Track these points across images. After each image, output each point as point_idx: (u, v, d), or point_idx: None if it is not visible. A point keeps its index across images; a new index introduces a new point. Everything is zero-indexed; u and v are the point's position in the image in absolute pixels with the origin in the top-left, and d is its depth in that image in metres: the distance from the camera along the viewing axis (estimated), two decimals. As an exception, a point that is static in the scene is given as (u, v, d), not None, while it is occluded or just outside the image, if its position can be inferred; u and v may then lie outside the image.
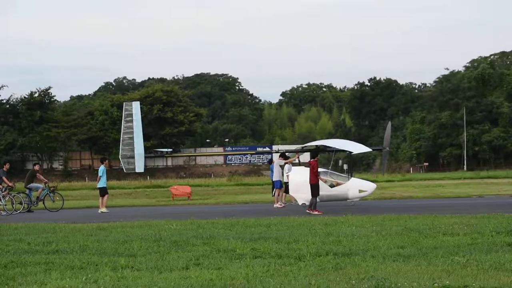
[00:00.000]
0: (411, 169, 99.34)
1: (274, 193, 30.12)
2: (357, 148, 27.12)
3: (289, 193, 28.61)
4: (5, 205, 29.86)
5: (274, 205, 29.40)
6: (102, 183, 30.02)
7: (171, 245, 14.64)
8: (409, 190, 43.25)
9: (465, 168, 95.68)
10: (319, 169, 27.32)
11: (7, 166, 32.47)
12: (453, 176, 66.96)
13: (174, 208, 32.09)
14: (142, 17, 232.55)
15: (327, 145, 28.83)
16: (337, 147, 28.04)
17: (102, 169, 30.11)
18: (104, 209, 29.53)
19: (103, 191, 30.00)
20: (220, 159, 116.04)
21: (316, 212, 24.56)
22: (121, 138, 30.66)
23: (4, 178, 30.69)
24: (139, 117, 30.46)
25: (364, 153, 27.57)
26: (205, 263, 12.26)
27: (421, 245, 13.67)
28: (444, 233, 15.38)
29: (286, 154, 30.31)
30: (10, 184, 30.87)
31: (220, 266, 11.88)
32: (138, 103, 31.40)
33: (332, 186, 27.95)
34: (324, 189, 27.26)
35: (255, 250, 13.48)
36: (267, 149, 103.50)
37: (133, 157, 29.94)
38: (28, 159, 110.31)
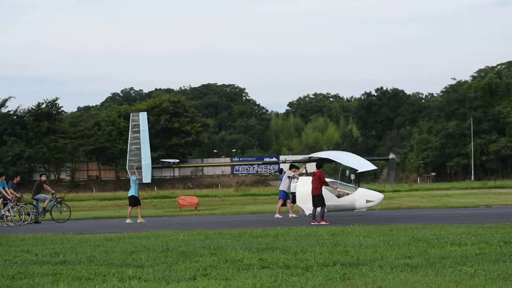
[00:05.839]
0: (418, 179, 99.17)
1: (282, 204, 30.09)
2: (363, 165, 26.89)
3: (296, 203, 28.63)
4: (13, 216, 29.92)
5: (290, 215, 29.51)
6: (130, 191, 30.08)
7: (179, 255, 14.63)
8: (416, 200, 43.17)
9: (472, 178, 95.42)
10: (328, 179, 27.31)
11: (17, 178, 32.68)
12: (460, 186, 66.86)
13: (181, 219, 32.11)
14: (148, 29, 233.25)
15: (333, 159, 28.84)
16: (343, 163, 28.05)
17: (133, 177, 29.97)
18: (128, 220, 29.45)
19: (129, 200, 30.15)
20: (227, 170, 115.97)
21: (324, 222, 24.54)
22: (128, 149, 30.72)
23: (2, 191, 30.50)
24: (146, 128, 30.52)
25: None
26: (213, 273, 12.24)
27: (428, 255, 13.63)
28: (451, 243, 15.32)
29: (296, 164, 30.35)
30: (17, 195, 30.93)
31: (227, 277, 11.86)
32: (145, 113, 31.47)
33: (338, 196, 27.93)
34: (331, 199, 27.24)
35: (262, 261, 13.46)
36: (274, 159, 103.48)
37: (140, 167, 29.99)
38: (36, 170, 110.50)
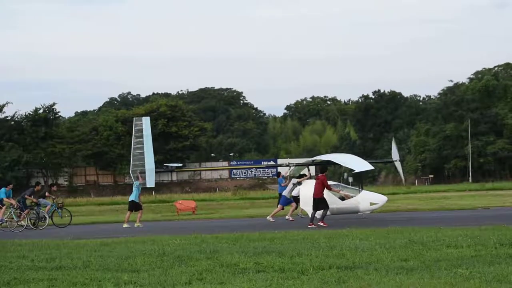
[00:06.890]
0: (416, 181, 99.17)
1: (281, 209, 30.19)
2: (360, 166, 26.94)
3: (300, 206, 28.73)
4: (17, 222, 30.04)
5: (286, 217, 29.59)
6: (131, 196, 30.09)
7: (175, 260, 14.62)
8: (414, 202, 43.23)
9: (470, 180, 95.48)
10: (331, 182, 27.33)
11: (38, 187, 33.24)
12: (458, 188, 66.95)
13: (179, 223, 32.09)
14: (145, 33, 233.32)
15: (334, 161, 28.99)
16: (342, 164, 28.16)
17: (136, 182, 29.97)
18: (126, 225, 29.40)
19: (129, 205, 30.17)
20: (225, 173, 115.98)
21: (322, 224, 24.59)
22: (131, 154, 30.62)
23: (6, 200, 30.86)
24: (149, 132, 30.55)
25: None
26: (208, 278, 12.24)
27: (424, 258, 13.65)
28: (447, 246, 15.34)
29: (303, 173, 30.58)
30: (34, 200, 31.39)
31: (223, 281, 11.87)
32: (148, 118, 31.46)
33: (342, 199, 27.90)
34: (335, 202, 27.25)
35: (258, 264, 13.47)
36: (272, 162, 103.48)
37: (144, 172, 29.93)
38: (33, 175, 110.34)
